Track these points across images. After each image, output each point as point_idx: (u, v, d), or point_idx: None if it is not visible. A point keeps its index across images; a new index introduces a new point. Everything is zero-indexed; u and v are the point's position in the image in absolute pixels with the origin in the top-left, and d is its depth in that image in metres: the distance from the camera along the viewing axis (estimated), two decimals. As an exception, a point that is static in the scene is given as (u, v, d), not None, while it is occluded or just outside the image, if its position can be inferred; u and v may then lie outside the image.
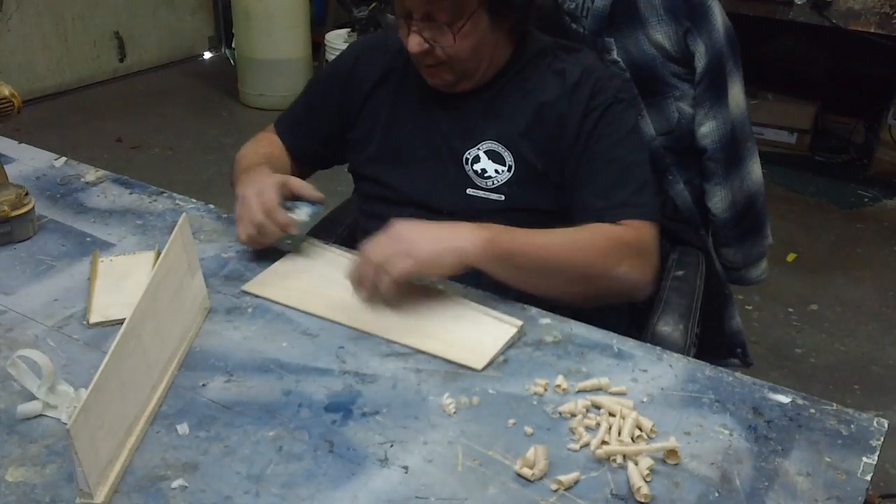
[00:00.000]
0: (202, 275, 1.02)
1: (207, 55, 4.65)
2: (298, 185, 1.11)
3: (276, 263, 1.11)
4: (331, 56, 3.66)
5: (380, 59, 1.23)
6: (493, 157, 1.15)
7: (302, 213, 1.10)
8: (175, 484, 0.76)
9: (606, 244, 1.03)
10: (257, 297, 1.05)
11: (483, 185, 1.15)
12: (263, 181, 1.09)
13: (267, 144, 1.29)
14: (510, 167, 1.14)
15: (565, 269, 1.01)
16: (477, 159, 1.15)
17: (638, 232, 1.06)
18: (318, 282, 1.08)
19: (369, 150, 1.24)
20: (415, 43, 1.08)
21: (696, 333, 1.25)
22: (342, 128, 1.27)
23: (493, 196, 1.14)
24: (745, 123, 1.24)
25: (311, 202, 1.12)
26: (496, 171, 1.14)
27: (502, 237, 0.99)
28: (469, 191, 1.16)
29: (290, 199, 1.11)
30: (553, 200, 1.15)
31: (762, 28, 2.99)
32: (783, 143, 3.46)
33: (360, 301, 1.00)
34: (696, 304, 1.26)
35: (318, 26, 4.01)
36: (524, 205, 1.14)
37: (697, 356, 0.98)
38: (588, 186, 1.10)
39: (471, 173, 1.15)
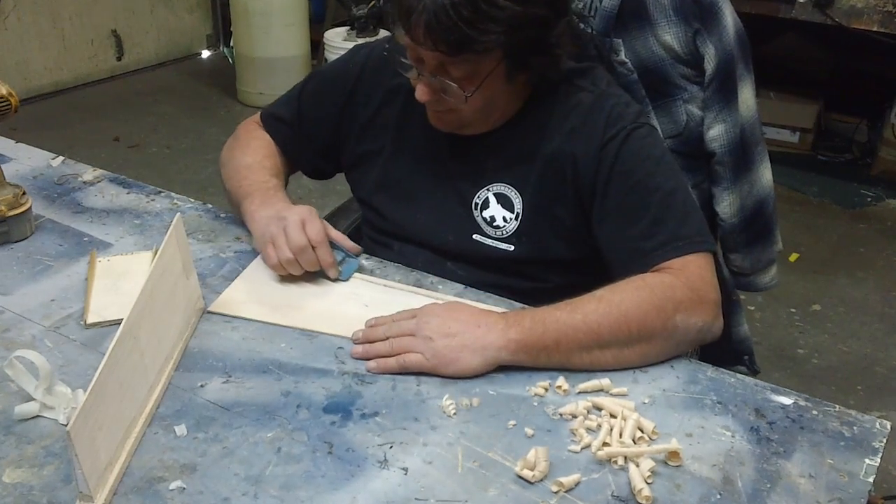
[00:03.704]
0: (196, 275, 1.01)
1: (206, 53, 4.64)
2: (337, 234, 1.06)
3: (237, 281, 1.07)
4: (330, 55, 3.65)
5: (387, 72, 1.14)
6: (503, 201, 1.08)
7: (346, 265, 1.07)
8: (173, 485, 0.76)
9: (652, 298, 0.92)
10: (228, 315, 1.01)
11: (491, 234, 1.09)
12: (303, 212, 1.03)
13: (265, 152, 1.20)
14: (518, 215, 1.08)
15: (614, 341, 0.91)
16: (486, 204, 1.09)
17: (686, 270, 0.96)
18: (287, 294, 1.05)
19: (371, 175, 1.18)
20: (420, 92, 1.01)
21: None
22: (342, 142, 1.20)
23: (502, 246, 1.09)
24: (755, 127, 1.21)
25: (349, 254, 1.07)
26: (504, 220, 1.08)
27: (534, 331, 0.90)
28: (476, 237, 1.10)
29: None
30: (566, 249, 1.09)
31: (764, 26, 2.97)
32: (786, 143, 3.46)
33: (355, 350, 0.95)
34: None
35: (317, 24, 4.00)
36: (535, 256, 1.09)
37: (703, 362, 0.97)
38: (628, 225, 1.01)
39: (479, 220, 1.09)
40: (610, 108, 1.05)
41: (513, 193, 1.08)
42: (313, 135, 1.22)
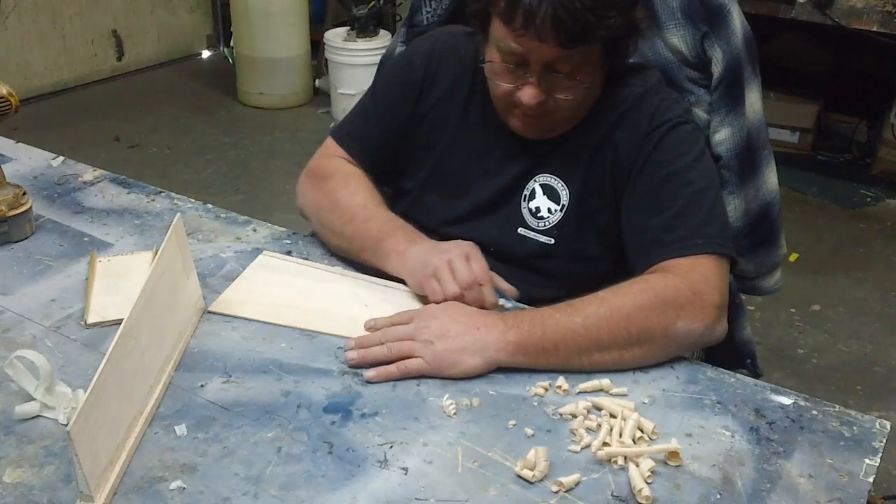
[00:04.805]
0: (197, 275, 1.01)
1: (206, 53, 4.64)
2: (494, 274, 1.02)
3: (237, 280, 1.07)
4: (330, 55, 3.65)
5: (451, 67, 1.14)
6: (549, 192, 1.09)
7: (505, 304, 1.01)
8: (173, 485, 0.76)
9: (654, 302, 0.92)
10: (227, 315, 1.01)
11: (535, 226, 1.10)
12: (467, 247, 1.01)
13: (367, 187, 1.14)
14: (563, 207, 1.08)
15: (613, 345, 0.91)
16: (533, 195, 1.10)
17: (694, 273, 0.95)
18: (287, 294, 1.05)
19: (421, 169, 1.16)
20: (531, 95, 0.98)
21: None
22: (408, 137, 1.18)
23: (543, 238, 1.09)
24: (761, 131, 1.20)
25: (503, 295, 1.02)
26: (549, 211, 1.09)
27: (533, 334, 0.91)
28: (520, 230, 1.10)
29: None
30: (602, 246, 1.09)
31: (764, 26, 2.96)
32: (786, 143, 3.45)
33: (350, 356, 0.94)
34: None
35: (317, 24, 4.00)
36: (573, 251, 1.09)
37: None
38: (653, 214, 1.02)
39: (525, 211, 1.10)
40: (658, 102, 1.06)
41: (560, 185, 1.09)
42: (391, 141, 1.18)
